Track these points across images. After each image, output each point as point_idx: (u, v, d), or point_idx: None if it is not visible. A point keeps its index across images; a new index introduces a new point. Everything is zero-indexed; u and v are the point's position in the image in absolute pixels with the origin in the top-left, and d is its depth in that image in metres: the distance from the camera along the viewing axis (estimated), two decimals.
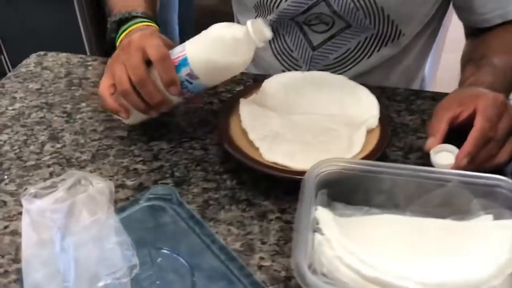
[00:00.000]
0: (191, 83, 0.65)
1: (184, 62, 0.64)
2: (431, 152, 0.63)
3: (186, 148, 0.70)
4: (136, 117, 0.68)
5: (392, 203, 0.59)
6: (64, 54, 0.92)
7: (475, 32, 0.86)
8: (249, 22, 0.62)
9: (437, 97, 0.81)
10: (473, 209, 0.57)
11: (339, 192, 0.59)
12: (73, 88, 0.83)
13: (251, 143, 0.66)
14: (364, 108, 0.70)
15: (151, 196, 0.61)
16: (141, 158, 0.68)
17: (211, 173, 0.66)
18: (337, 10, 0.80)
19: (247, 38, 0.62)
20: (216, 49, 0.62)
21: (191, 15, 1.35)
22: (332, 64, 0.88)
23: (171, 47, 0.67)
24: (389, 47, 0.85)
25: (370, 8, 0.79)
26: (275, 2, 0.82)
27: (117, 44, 0.72)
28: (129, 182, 0.64)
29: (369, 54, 0.86)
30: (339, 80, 0.75)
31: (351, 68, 0.88)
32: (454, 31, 1.27)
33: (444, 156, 0.63)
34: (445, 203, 0.57)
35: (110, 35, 0.74)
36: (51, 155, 0.69)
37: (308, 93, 0.74)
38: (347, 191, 0.59)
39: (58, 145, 0.71)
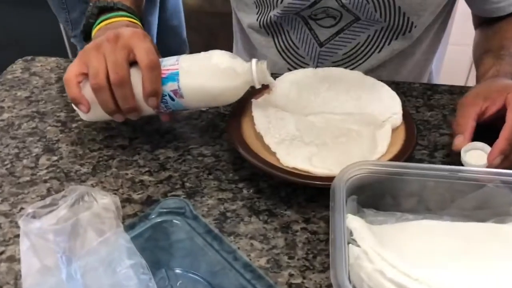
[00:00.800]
0: (173, 100, 0.60)
1: (174, 77, 0.59)
2: (462, 152, 0.59)
3: (195, 156, 0.65)
4: (96, 114, 0.62)
5: (424, 207, 0.55)
6: (53, 59, 0.86)
7: (486, 22, 0.82)
8: (254, 61, 0.59)
9: (454, 90, 0.77)
10: None
11: (368, 198, 0.54)
12: (66, 94, 0.77)
13: (266, 147, 0.60)
14: (385, 105, 0.65)
15: (162, 210, 0.55)
16: (147, 169, 0.63)
17: (225, 182, 0.61)
18: (346, 3, 0.75)
19: (247, 76, 0.59)
20: (213, 76, 0.59)
21: (173, 20, 1.26)
22: (341, 60, 0.83)
23: (159, 55, 0.62)
24: (400, 40, 0.81)
25: (381, 0, 0.74)
26: None
27: (93, 32, 0.66)
28: (136, 196, 0.59)
29: (379, 48, 0.82)
30: (355, 76, 0.70)
31: (361, 63, 0.83)
32: (457, 23, 1.24)
33: (475, 155, 0.59)
34: (484, 205, 0.53)
35: (88, 20, 0.67)
36: (47, 169, 0.63)
37: (322, 91, 0.69)
38: (376, 196, 0.55)
39: (55, 158, 0.64)
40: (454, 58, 1.40)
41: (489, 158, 0.57)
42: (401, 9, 0.76)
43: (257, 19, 0.84)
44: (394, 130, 0.62)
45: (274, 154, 0.60)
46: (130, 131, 0.69)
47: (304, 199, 0.58)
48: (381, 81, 0.76)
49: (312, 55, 0.84)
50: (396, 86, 0.78)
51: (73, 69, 0.59)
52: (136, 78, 0.59)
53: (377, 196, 0.55)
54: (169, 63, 0.60)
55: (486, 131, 0.59)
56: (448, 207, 0.54)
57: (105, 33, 0.61)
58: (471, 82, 2.04)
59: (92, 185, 0.60)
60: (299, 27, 0.82)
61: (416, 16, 0.77)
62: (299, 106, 0.67)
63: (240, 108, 0.66)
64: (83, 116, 0.64)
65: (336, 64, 0.84)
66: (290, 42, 0.85)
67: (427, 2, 0.76)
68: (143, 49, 0.58)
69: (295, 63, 0.86)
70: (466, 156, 0.59)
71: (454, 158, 0.62)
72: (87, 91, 0.59)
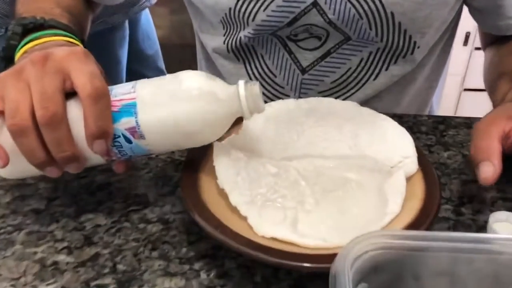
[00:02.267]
0: (129, 142, 0.43)
1: (130, 110, 0.42)
2: (489, 223, 0.44)
3: (136, 222, 0.47)
4: (19, 169, 0.44)
5: None
6: None
7: (498, 40, 0.68)
8: (241, 83, 0.43)
9: (472, 123, 0.61)
10: None
11: (383, 283, 0.37)
12: None
13: (233, 209, 0.43)
14: (392, 145, 0.49)
15: None
16: (65, 244, 0.44)
17: (175, 262, 0.42)
18: (333, 19, 0.60)
19: (233, 103, 0.43)
20: (185, 106, 0.42)
21: (148, 50, 1.16)
22: (329, 90, 0.68)
23: (107, 81, 0.45)
24: (400, 64, 0.66)
25: (377, 15, 0.59)
26: (250, 13, 0.62)
27: (16, 57, 0.50)
28: None
29: (375, 74, 0.66)
30: (349, 107, 0.53)
31: (353, 93, 0.68)
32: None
33: (508, 229, 0.44)
34: None
35: (9, 42, 0.51)
36: None
37: (307, 128, 0.52)
38: (393, 279, 0.38)
39: None
40: (451, 87, 1.28)
41: None
42: (401, 25, 0.61)
43: (224, 42, 0.68)
44: (406, 179, 0.46)
45: (245, 218, 0.42)
46: (49, 188, 0.51)
47: (288, 285, 0.40)
48: (384, 113, 0.61)
49: (293, 84, 0.68)
50: (398, 119, 0.62)
51: None
52: (76, 113, 0.42)
53: (395, 280, 0.38)
54: (122, 91, 0.43)
55: None
56: None
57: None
58: (460, 113, 1.92)
59: None
60: (275, 50, 0.67)
61: (419, 34, 0.62)
62: (278, 149, 0.50)
63: (199, 153, 0.48)
64: (1, 172, 0.45)
65: (322, 94, 0.68)
66: (265, 68, 0.69)
67: (433, 17, 0.61)
68: (84, 72, 0.42)
69: (273, 94, 0.70)
70: (496, 228, 0.44)
71: (488, 213, 0.46)
72: (4, 136, 0.42)
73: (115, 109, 0.42)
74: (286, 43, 0.66)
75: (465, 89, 1.85)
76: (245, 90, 0.43)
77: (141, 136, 0.43)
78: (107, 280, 0.41)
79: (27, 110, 0.40)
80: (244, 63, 0.70)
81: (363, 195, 0.45)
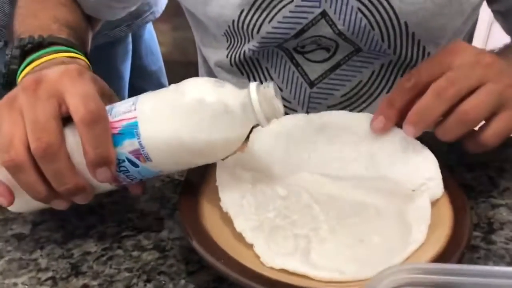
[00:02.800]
0: (136, 166, 0.39)
1: (131, 131, 0.38)
2: None
3: (129, 249, 0.42)
4: (25, 202, 0.40)
5: None
6: None
7: None
8: (253, 86, 0.38)
9: None
10: None
11: None
12: None
13: (238, 236, 0.38)
14: (414, 166, 0.44)
15: None
16: (50, 274, 0.40)
17: None
18: (343, 30, 0.57)
19: (246, 111, 0.38)
20: (192, 122, 0.38)
21: (152, 66, 1.14)
22: (339, 104, 0.64)
23: (111, 98, 0.42)
24: None
25: (390, 25, 0.56)
26: (255, 24, 0.58)
27: (18, 82, 0.47)
28: None
29: (388, 87, 0.63)
30: (364, 122, 0.49)
31: (365, 107, 0.64)
32: None
33: None
34: None
35: (9, 67, 0.48)
36: None
37: (320, 146, 0.48)
38: None
39: None
40: None
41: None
42: (415, 36, 0.57)
43: (227, 55, 0.65)
44: (431, 204, 0.41)
45: (251, 246, 0.38)
46: (35, 212, 0.46)
47: None
48: None
49: (301, 99, 0.64)
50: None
51: None
52: (76, 140, 0.38)
53: None
54: (122, 110, 0.39)
55: None
56: None
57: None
58: None
59: None
60: (281, 63, 0.63)
61: (433, 44, 0.59)
62: (288, 170, 0.46)
63: (199, 172, 0.44)
64: (10, 207, 0.41)
65: (332, 108, 0.64)
66: None
67: (448, 26, 0.58)
68: (76, 94, 0.38)
69: None
70: None
71: None
72: (4, 173, 0.38)
73: (115, 131, 0.38)
74: (292, 56, 0.62)
75: None
76: (257, 94, 0.38)
77: (147, 158, 0.38)
78: None
79: (21, 143, 0.37)
80: (248, 77, 0.66)
81: (383, 222, 0.41)
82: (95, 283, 0.39)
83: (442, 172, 0.44)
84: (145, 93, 0.40)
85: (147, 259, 0.41)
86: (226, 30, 0.61)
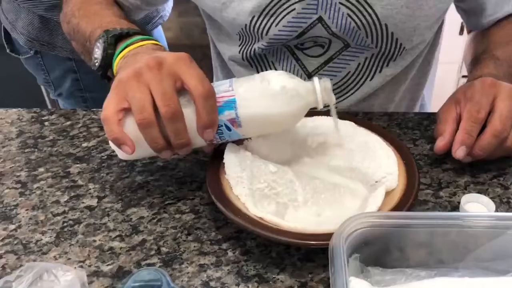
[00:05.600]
0: (229, 129, 0.54)
1: (230, 105, 0.53)
2: (461, 203, 0.54)
3: (172, 213, 0.57)
4: (139, 153, 0.55)
5: (436, 259, 0.48)
6: (14, 110, 0.79)
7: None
8: (316, 80, 0.54)
9: None
10: None
11: (372, 254, 0.47)
12: (27, 150, 0.69)
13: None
14: (379, 162, 0.57)
15: (135, 284, 0.47)
16: (117, 233, 0.55)
17: (207, 243, 0.53)
18: (336, 31, 0.70)
19: (310, 97, 0.54)
20: (275, 101, 0.53)
21: None
22: (333, 91, 0.77)
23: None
24: (391, 67, 0.75)
25: (373, 26, 0.69)
26: (263, 28, 0.71)
27: (115, 63, 0.60)
28: (105, 267, 0.51)
29: (371, 75, 0.76)
30: (347, 127, 0.62)
31: (353, 93, 0.77)
32: (444, 39, 1.20)
33: (477, 208, 0.54)
34: (504, 255, 0.46)
35: (107, 51, 0.61)
36: (2, 240, 0.55)
37: (310, 141, 0.61)
38: (381, 251, 0.48)
39: (12, 227, 0.56)
40: (441, 76, 1.36)
41: (452, 151, 0.58)
42: (393, 34, 0.70)
43: (239, 51, 0.78)
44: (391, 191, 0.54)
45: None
46: (98, 188, 0.61)
47: (298, 258, 0.51)
48: (374, 114, 0.71)
49: None
50: (389, 117, 0.72)
51: (111, 106, 0.52)
52: (189, 109, 0.52)
53: (383, 251, 0.48)
54: (223, 89, 0.53)
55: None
56: (463, 259, 0.47)
57: (135, 60, 0.54)
58: None
59: (55, 258, 0.52)
60: (285, 58, 0.76)
61: (408, 41, 0.72)
62: (281, 155, 0.60)
63: (220, 154, 0.59)
64: (122, 155, 0.57)
65: None
66: None
67: (420, 27, 0.71)
68: (193, 76, 0.52)
69: None
70: (466, 209, 0.54)
71: (461, 195, 0.56)
72: (130, 128, 0.52)
73: (219, 104, 0.53)
74: (294, 52, 0.75)
75: (463, 76, 1.94)
76: (319, 85, 0.54)
77: (239, 125, 0.54)
78: (154, 259, 0.51)
79: (151, 107, 0.50)
80: (257, 69, 0.80)
81: (348, 200, 0.55)
82: (150, 238, 0.54)
83: (402, 146, 0.58)
84: (237, 78, 0.55)
85: (186, 219, 0.56)
86: (239, 31, 0.74)
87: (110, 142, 0.54)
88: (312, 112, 0.65)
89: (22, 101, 0.80)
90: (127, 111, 0.52)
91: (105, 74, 0.63)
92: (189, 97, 0.52)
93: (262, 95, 0.53)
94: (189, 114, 0.52)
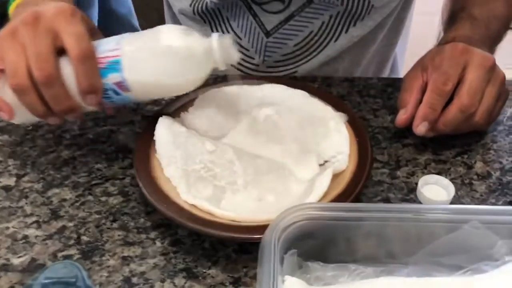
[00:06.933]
0: (118, 94, 0.48)
1: (115, 66, 0.47)
2: (418, 186, 0.49)
3: (98, 195, 0.51)
4: (25, 117, 0.50)
5: (385, 252, 0.43)
6: None
7: None
8: (215, 36, 0.48)
9: None
10: (497, 254, 0.41)
11: (313, 247, 0.42)
12: None
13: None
14: (330, 140, 0.51)
15: (47, 281, 0.42)
16: (34, 219, 0.49)
17: (133, 232, 0.47)
18: None
19: (207, 56, 0.48)
20: (164, 62, 0.47)
21: (120, 8, 1.14)
22: (292, 53, 0.70)
23: (95, 34, 0.49)
24: (358, 27, 0.68)
25: None
26: None
27: (11, 11, 0.52)
28: (15, 260, 0.45)
29: (335, 36, 0.69)
30: (300, 99, 0.55)
31: (316, 55, 0.70)
32: None
33: (435, 191, 0.49)
34: (459, 250, 0.42)
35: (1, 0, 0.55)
36: None
37: (255, 115, 0.54)
38: (324, 244, 0.43)
39: None
40: (418, 30, 1.26)
41: (413, 126, 0.53)
42: None
43: (190, 5, 0.70)
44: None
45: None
46: (18, 165, 0.55)
47: (233, 250, 0.45)
48: (334, 78, 0.64)
49: (258, 47, 0.70)
50: (350, 84, 0.65)
51: None
52: (69, 69, 0.46)
53: (325, 244, 0.42)
54: (107, 48, 0.47)
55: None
56: (415, 252, 0.42)
57: (25, 11, 0.47)
58: None
59: None
60: (241, 13, 0.68)
61: None
62: (221, 132, 0.53)
63: (153, 127, 0.52)
64: (13, 120, 0.51)
65: (286, 57, 0.70)
66: (230, 32, 0.71)
67: None
68: (72, 34, 0.45)
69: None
70: (424, 191, 0.49)
71: (420, 175, 0.51)
72: (8, 92, 0.47)
73: (102, 65, 0.47)
74: (251, 6, 0.67)
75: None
76: (218, 42, 0.47)
77: (127, 89, 0.48)
78: (72, 251, 0.46)
79: (24, 71, 0.45)
80: (210, 26, 0.72)
81: (294, 183, 0.48)
82: (71, 224, 0.48)
83: (357, 122, 0.52)
84: (125, 34, 0.49)
85: (113, 203, 0.50)
86: None
87: None
88: (263, 78, 0.59)
89: None
90: (3, 73, 0.46)
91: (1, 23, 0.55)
92: None
93: (150, 55, 0.47)
94: (72, 76, 0.46)
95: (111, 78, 0.47)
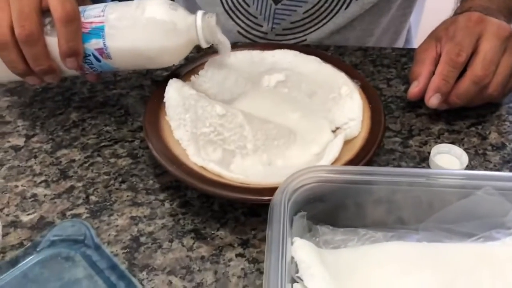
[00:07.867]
0: (98, 60, 0.48)
1: (98, 33, 0.46)
2: (431, 154, 0.49)
3: (107, 157, 0.51)
4: (4, 74, 0.50)
5: (396, 218, 0.43)
6: None
7: None
8: (199, 14, 0.48)
9: None
10: (509, 222, 0.41)
11: (323, 211, 0.42)
12: None
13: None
14: (342, 107, 0.50)
15: (55, 238, 0.42)
16: (43, 178, 0.49)
17: (142, 193, 0.47)
18: None
19: (191, 33, 0.48)
20: (146, 33, 0.47)
21: None
22: (301, 20, 0.69)
23: (83, 1, 0.49)
24: None
25: None
26: None
27: None
28: (25, 217, 0.45)
29: (346, 3, 0.67)
30: (312, 65, 0.54)
31: (325, 23, 0.69)
32: None
33: (448, 161, 0.48)
34: (471, 216, 0.41)
35: None
36: None
37: (267, 83, 0.54)
38: (334, 208, 0.42)
39: None
40: (434, 1, 1.23)
41: (425, 98, 0.52)
42: None
43: None
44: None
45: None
46: (27, 126, 0.54)
47: (242, 212, 0.45)
48: (347, 47, 0.63)
49: (266, 14, 0.69)
50: (363, 53, 0.64)
51: None
52: (53, 33, 0.46)
53: (335, 208, 0.42)
54: (93, 14, 0.47)
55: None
56: (426, 219, 0.42)
57: None
58: None
59: None
60: None
61: None
62: (231, 96, 0.52)
63: (163, 91, 0.51)
64: None
65: (295, 24, 0.69)
66: None
67: None
68: None
69: (246, 25, 0.71)
70: (436, 160, 0.48)
71: (433, 144, 0.50)
72: None
73: (85, 30, 0.47)
74: None
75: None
76: (202, 21, 0.47)
77: (108, 57, 0.48)
78: (81, 210, 0.46)
79: (7, 27, 0.45)
80: None
81: (302, 148, 0.48)
82: (79, 184, 0.48)
83: (371, 91, 0.51)
84: (112, 3, 0.48)
85: (122, 164, 0.50)
86: None
87: None
88: (274, 45, 0.58)
89: None
90: None
91: None
92: None
93: (133, 25, 0.47)
94: (55, 38, 0.46)
95: (93, 44, 0.47)
